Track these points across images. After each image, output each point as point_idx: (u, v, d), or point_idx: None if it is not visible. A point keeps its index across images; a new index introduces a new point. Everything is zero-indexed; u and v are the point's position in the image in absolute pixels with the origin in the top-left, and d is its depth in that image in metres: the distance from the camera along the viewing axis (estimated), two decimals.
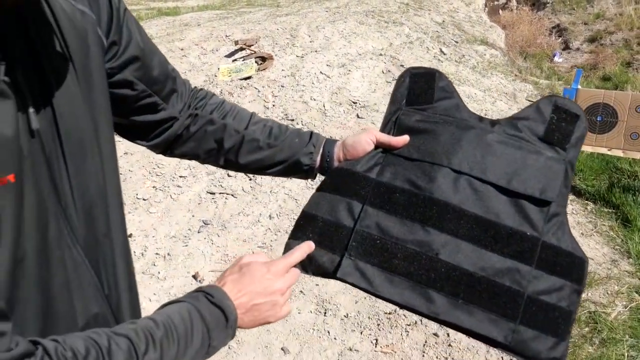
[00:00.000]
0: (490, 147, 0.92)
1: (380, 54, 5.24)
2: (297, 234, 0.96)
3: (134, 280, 0.87)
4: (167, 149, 1.01)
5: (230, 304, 0.75)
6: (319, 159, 1.02)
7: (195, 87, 1.04)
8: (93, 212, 0.72)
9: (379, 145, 0.98)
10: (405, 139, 0.96)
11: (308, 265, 0.94)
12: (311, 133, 1.05)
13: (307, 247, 0.89)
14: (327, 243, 0.93)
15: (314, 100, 4.41)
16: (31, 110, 0.61)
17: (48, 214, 0.64)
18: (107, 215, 0.76)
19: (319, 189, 0.98)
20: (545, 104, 0.97)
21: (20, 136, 0.59)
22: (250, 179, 3.54)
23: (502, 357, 2.41)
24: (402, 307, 0.89)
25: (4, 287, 0.58)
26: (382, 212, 0.92)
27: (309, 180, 2.41)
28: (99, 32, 0.77)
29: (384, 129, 1.01)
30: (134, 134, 0.96)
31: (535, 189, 0.89)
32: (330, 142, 1.03)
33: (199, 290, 0.77)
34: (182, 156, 1.04)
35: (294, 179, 3.31)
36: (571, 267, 0.87)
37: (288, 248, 0.96)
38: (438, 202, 0.90)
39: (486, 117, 1.00)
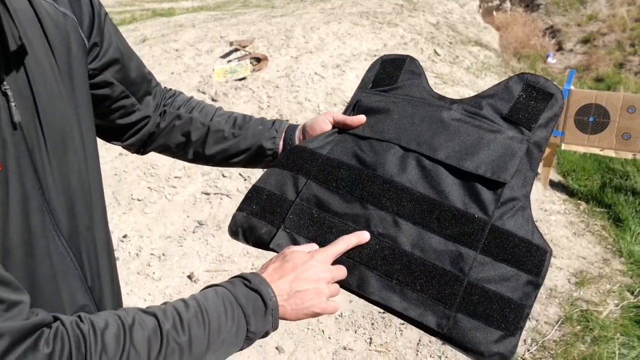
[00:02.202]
0: (444, 124, 0.88)
1: (375, 55, 5.26)
2: (243, 206, 0.95)
3: (116, 273, 0.88)
4: (141, 147, 1.05)
5: (269, 290, 0.73)
6: (281, 143, 1.03)
7: (165, 87, 1.08)
8: (76, 206, 0.74)
9: (335, 125, 0.98)
10: (361, 118, 0.95)
11: (249, 236, 0.93)
12: (274, 120, 1.07)
13: (356, 239, 0.83)
14: (268, 215, 0.92)
15: (309, 100, 4.42)
16: (13, 103, 0.62)
17: (31, 206, 0.65)
18: (90, 209, 0.78)
19: (272, 164, 0.99)
20: (515, 81, 0.90)
21: (3, 128, 0.61)
22: (245, 180, 3.55)
23: None
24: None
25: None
26: (324, 187, 0.90)
27: None
28: (81, 33, 0.79)
29: (346, 111, 1.00)
30: (110, 135, 0.99)
31: (487, 170, 0.82)
32: (292, 127, 1.05)
33: (237, 276, 0.76)
34: (154, 151, 1.07)
35: None
36: (526, 255, 0.77)
37: (234, 220, 0.95)
38: (381, 179, 0.87)
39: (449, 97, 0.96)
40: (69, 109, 0.74)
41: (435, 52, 5.87)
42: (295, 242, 0.88)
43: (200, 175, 3.65)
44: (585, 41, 8.85)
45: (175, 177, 3.64)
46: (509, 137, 0.85)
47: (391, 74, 0.99)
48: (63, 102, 0.73)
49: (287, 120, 1.08)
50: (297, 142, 1.02)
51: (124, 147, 1.02)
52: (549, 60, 8.46)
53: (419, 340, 2.50)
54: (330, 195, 0.88)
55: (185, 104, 1.06)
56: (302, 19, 6.37)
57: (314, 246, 0.84)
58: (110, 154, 3.86)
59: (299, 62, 5.06)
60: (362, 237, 0.84)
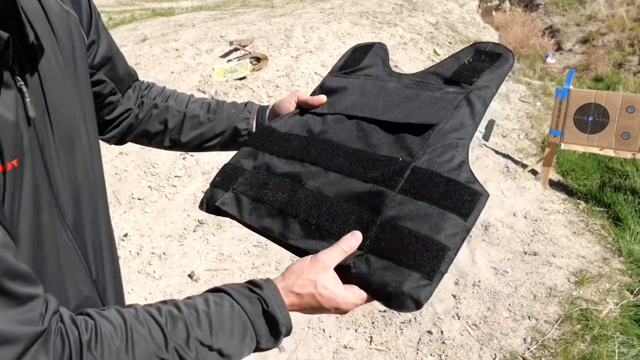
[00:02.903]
0: (388, 92, 0.94)
1: None
2: (216, 181, 1.01)
3: (118, 267, 0.91)
4: (120, 139, 1.08)
5: (284, 313, 0.71)
6: (254, 124, 1.08)
7: (142, 80, 1.11)
8: (81, 200, 0.76)
9: (299, 105, 1.04)
10: (321, 98, 1.02)
11: (210, 205, 0.98)
12: (246, 103, 1.12)
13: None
14: (225, 183, 0.98)
15: None
16: (28, 99, 0.63)
17: (41, 200, 0.66)
18: (94, 203, 0.80)
19: (243, 145, 1.06)
20: (466, 51, 0.93)
21: (19, 123, 0.62)
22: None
23: (494, 354, 2.44)
24: (261, 233, 0.88)
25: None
26: (274, 156, 0.97)
27: None
28: (82, 31, 0.82)
29: (313, 94, 1.06)
30: None
31: (416, 117, 0.84)
32: (263, 107, 1.10)
33: (257, 295, 0.71)
34: (131, 141, 1.10)
35: None
36: (452, 194, 0.73)
37: (209, 193, 1.00)
38: (321, 141, 0.93)
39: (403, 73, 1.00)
40: (75, 105, 0.76)
41: (435, 52, 5.87)
42: (239, 200, 0.93)
43: (200, 174, 3.65)
44: (584, 41, 8.86)
45: (176, 176, 3.65)
46: (446, 92, 0.87)
47: (356, 59, 1.06)
48: (70, 98, 0.74)
49: (254, 102, 1.14)
50: (266, 118, 1.09)
51: (104, 140, 1.05)
52: (548, 60, 8.47)
53: (419, 339, 2.50)
54: (277, 161, 0.95)
55: (160, 93, 1.10)
56: (301, 19, 6.37)
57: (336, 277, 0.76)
58: (110, 153, 3.86)
59: (299, 61, 5.07)
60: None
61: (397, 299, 0.69)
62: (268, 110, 1.09)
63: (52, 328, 0.56)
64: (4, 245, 0.52)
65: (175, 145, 1.10)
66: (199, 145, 1.10)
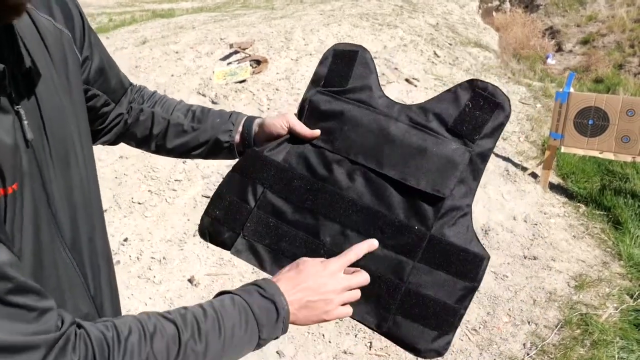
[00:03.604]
0: (390, 138, 0.92)
1: (375, 57, 5.26)
2: (208, 210, 1.01)
3: (115, 282, 0.92)
4: (113, 142, 1.08)
5: (282, 300, 0.78)
6: (238, 136, 1.06)
7: (133, 84, 1.10)
8: (78, 217, 0.76)
9: (291, 132, 1.00)
10: (315, 133, 0.98)
11: (215, 240, 1.00)
12: (232, 113, 1.09)
13: (366, 246, 0.89)
14: (230, 221, 0.98)
15: None
16: (25, 121, 0.64)
17: (40, 220, 0.67)
18: (90, 219, 0.80)
19: (233, 169, 1.03)
20: (464, 89, 0.92)
21: (18, 146, 0.63)
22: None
23: (494, 359, 2.45)
24: None
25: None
26: (279, 197, 0.96)
27: None
28: (75, 49, 0.82)
29: (299, 112, 1.02)
30: None
31: (428, 185, 0.88)
32: (250, 119, 1.07)
33: (252, 283, 0.79)
34: (123, 142, 1.11)
35: None
36: (462, 263, 0.85)
37: (202, 223, 1.01)
38: (330, 191, 0.92)
39: (399, 102, 0.99)
40: (71, 124, 0.76)
41: (435, 54, 5.87)
42: (253, 249, 0.95)
43: (200, 178, 3.66)
44: (584, 42, 8.86)
45: (176, 181, 3.65)
46: (452, 149, 0.89)
47: (343, 74, 1.00)
48: (66, 117, 0.75)
49: (241, 112, 1.11)
50: (253, 134, 1.05)
51: (96, 144, 1.05)
52: (549, 61, 8.47)
53: None
54: (284, 205, 0.95)
55: (149, 98, 1.09)
56: (301, 21, 6.37)
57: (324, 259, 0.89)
58: (110, 157, 3.87)
59: (299, 64, 5.07)
60: (371, 244, 0.89)
61: (425, 353, 0.86)
62: (255, 125, 1.06)
63: (72, 334, 0.58)
64: (11, 264, 0.53)
65: (161, 149, 1.09)
66: (185, 152, 1.09)
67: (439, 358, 0.86)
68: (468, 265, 0.85)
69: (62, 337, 0.57)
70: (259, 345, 0.76)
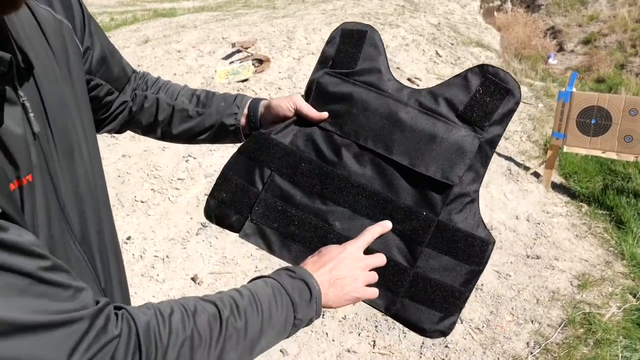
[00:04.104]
0: (401, 122, 0.91)
1: None
2: (214, 193, 1.00)
3: (125, 275, 0.91)
4: (118, 130, 1.07)
5: (312, 280, 0.79)
6: (243, 119, 1.04)
7: (137, 71, 1.09)
8: (85, 210, 0.76)
9: (298, 114, 0.98)
10: (323, 115, 0.96)
11: (222, 222, 0.99)
12: (236, 95, 1.07)
13: (380, 229, 0.90)
14: (237, 204, 0.97)
15: None
16: (31, 114, 0.64)
17: (51, 213, 0.67)
18: (97, 212, 0.80)
19: (239, 151, 1.00)
20: (475, 73, 0.91)
21: (27, 139, 0.63)
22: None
23: (497, 358, 2.45)
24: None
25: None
26: (287, 180, 0.95)
27: None
28: (76, 39, 0.82)
29: (306, 94, 1.00)
30: None
31: (437, 171, 0.88)
32: (255, 101, 1.05)
33: (281, 269, 0.81)
34: (129, 130, 1.10)
35: None
36: (468, 247, 0.87)
37: (207, 205, 1.00)
38: (339, 176, 0.92)
39: (408, 86, 0.96)
40: (74, 115, 0.76)
41: (437, 54, 5.87)
42: (262, 232, 0.95)
43: (203, 177, 3.66)
44: (586, 42, 8.86)
45: (179, 179, 3.65)
46: (462, 136, 0.89)
47: (351, 55, 0.98)
48: (68, 109, 0.74)
49: (245, 94, 1.09)
50: (259, 115, 1.03)
51: (101, 133, 1.04)
52: (550, 60, 8.47)
53: (422, 343, 2.51)
54: (292, 189, 0.94)
55: (153, 84, 1.08)
56: (303, 20, 6.38)
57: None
58: (113, 156, 3.87)
59: (301, 63, 5.07)
60: (385, 226, 0.90)
61: (430, 333, 0.89)
62: (261, 106, 1.04)
63: (111, 312, 0.58)
64: (38, 245, 0.53)
65: (167, 136, 1.08)
66: (191, 138, 1.08)
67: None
68: (474, 250, 0.87)
69: (102, 314, 0.56)
70: (295, 326, 0.76)
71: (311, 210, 0.92)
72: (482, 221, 0.89)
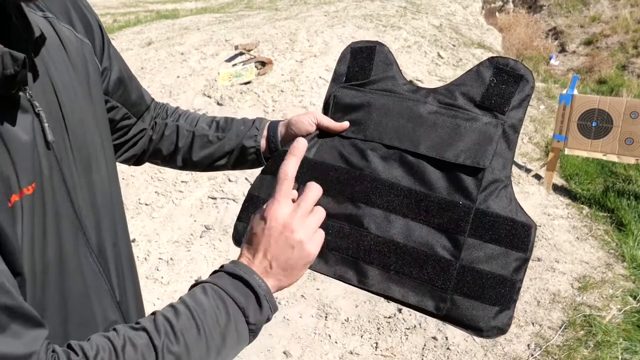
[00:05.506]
0: (422, 119, 0.92)
1: None
2: (242, 216, 0.98)
3: (139, 288, 0.92)
4: (138, 160, 1.08)
5: (254, 277, 0.71)
6: (263, 142, 1.04)
7: (155, 100, 1.11)
8: (102, 223, 0.77)
9: (319, 128, 0.98)
10: (344, 125, 0.96)
11: None
12: (255, 119, 1.08)
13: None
14: None
15: (314, 105, 4.46)
16: (46, 124, 0.65)
17: (63, 225, 0.68)
18: (114, 225, 0.81)
19: (262, 172, 1.00)
20: (486, 66, 0.93)
21: (38, 147, 0.64)
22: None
23: None
24: (337, 279, 0.89)
25: (33, 294, 0.62)
26: None
27: None
28: (95, 59, 0.84)
29: (324, 109, 1.01)
30: None
31: (467, 158, 0.87)
32: (274, 123, 1.05)
33: (219, 269, 0.73)
34: (149, 161, 1.11)
35: None
36: (512, 233, 0.83)
37: (235, 229, 0.98)
38: (368, 177, 0.91)
39: (423, 87, 0.98)
40: (93, 130, 0.78)
41: (439, 55, 5.89)
42: None
43: (206, 179, 3.69)
44: (588, 43, 8.86)
45: (182, 182, 3.68)
46: (484, 123, 0.89)
47: (363, 67, 1.00)
48: (88, 123, 0.76)
49: (264, 118, 1.10)
50: (279, 137, 1.04)
51: (121, 162, 1.05)
52: (552, 62, 8.48)
53: (424, 345, 2.53)
54: (323, 199, 0.90)
55: (172, 113, 1.09)
56: (306, 22, 6.40)
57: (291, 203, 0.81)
58: None
59: (304, 66, 5.10)
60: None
61: (487, 332, 0.83)
62: (281, 126, 1.04)
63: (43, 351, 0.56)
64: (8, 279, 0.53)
65: (187, 164, 1.09)
66: (210, 164, 1.08)
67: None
68: (518, 235, 0.83)
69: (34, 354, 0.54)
70: (252, 332, 0.70)
71: (344, 217, 0.90)
72: (520, 206, 0.86)
